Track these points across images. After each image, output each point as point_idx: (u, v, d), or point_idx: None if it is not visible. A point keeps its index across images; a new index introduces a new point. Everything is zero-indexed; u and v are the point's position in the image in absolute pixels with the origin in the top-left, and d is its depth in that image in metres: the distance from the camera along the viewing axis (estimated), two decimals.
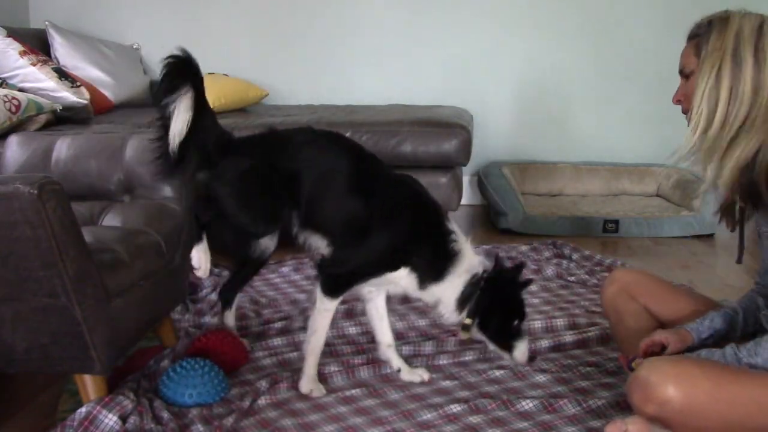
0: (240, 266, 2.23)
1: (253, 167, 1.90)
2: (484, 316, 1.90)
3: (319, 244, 1.93)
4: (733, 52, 1.49)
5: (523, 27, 4.31)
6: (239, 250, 2.08)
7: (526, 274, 2.06)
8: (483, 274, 1.90)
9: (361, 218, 1.87)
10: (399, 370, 2.06)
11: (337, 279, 1.91)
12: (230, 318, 2.26)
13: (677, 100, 1.65)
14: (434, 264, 1.89)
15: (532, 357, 1.95)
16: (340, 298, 1.94)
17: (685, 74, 1.61)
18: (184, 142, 1.82)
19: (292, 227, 1.94)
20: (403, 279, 1.91)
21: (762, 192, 1.49)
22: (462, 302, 1.90)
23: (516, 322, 1.92)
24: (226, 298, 2.25)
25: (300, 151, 1.91)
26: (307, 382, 1.95)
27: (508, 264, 2.01)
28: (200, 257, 1.92)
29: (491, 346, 1.98)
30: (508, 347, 1.93)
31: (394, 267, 1.89)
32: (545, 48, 4.31)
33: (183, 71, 1.82)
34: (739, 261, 1.75)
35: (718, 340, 1.68)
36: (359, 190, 1.88)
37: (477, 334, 1.95)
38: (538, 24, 4.30)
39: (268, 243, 2.11)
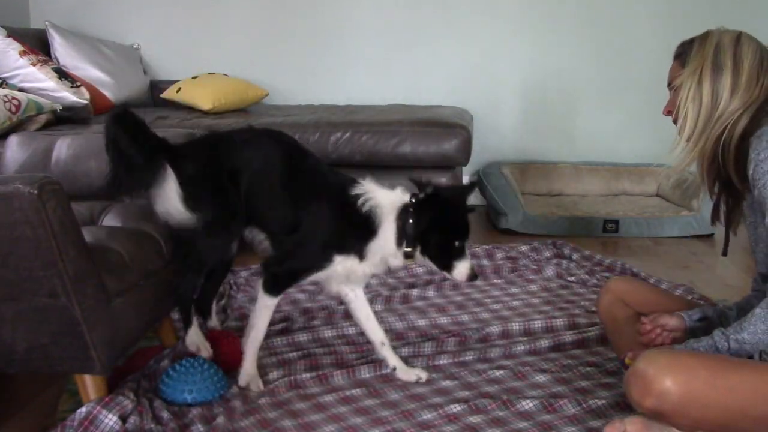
0: (208, 274, 2.15)
1: (199, 170, 1.91)
2: (423, 241, 1.87)
3: (260, 239, 1.98)
4: (713, 59, 1.61)
5: (524, 27, 4.31)
6: (216, 256, 2.04)
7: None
8: (411, 200, 1.87)
9: (289, 214, 1.91)
10: (395, 369, 2.06)
11: (278, 278, 1.96)
12: (214, 322, 2.27)
13: (667, 111, 1.74)
14: (360, 233, 1.89)
15: (474, 276, 1.90)
16: (281, 296, 1.99)
17: (673, 87, 1.70)
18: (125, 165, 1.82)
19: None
20: (341, 265, 1.91)
21: (731, 174, 1.59)
22: (399, 240, 1.87)
23: (456, 243, 1.88)
24: (202, 310, 2.21)
25: (238, 149, 1.95)
26: (245, 376, 1.97)
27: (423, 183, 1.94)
28: (196, 342, 1.99)
29: (434, 267, 1.94)
30: (449, 267, 1.89)
31: (329, 259, 1.91)
32: (545, 48, 4.32)
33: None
34: (724, 254, 1.82)
35: (708, 329, 1.70)
36: (286, 186, 1.93)
37: (422, 259, 1.92)
38: (538, 24, 4.30)
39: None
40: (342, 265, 1.92)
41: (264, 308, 1.97)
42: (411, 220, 1.86)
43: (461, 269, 1.89)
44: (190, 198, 1.87)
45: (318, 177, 1.98)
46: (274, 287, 1.96)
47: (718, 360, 1.48)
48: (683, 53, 1.69)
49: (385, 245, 1.89)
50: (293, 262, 1.94)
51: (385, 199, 1.90)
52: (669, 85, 1.74)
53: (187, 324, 2.02)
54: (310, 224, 1.90)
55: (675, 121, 1.69)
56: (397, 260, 1.92)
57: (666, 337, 1.76)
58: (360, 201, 1.89)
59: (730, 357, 1.50)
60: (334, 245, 1.91)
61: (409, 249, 1.88)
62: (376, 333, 2.09)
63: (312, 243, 1.91)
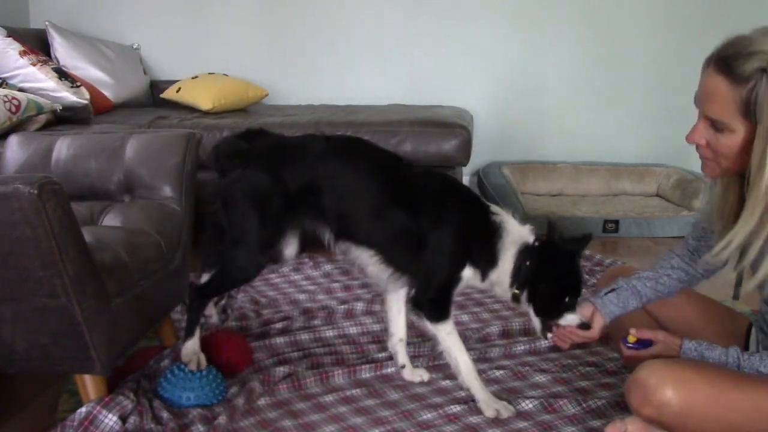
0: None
1: (267, 183, 1.83)
2: (532, 287, 1.82)
3: (364, 256, 1.90)
4: None
5: (524, 27, 4.31)
6: (246, 278, 2.00)
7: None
8: (534, 243, 1.82)
9: (410, 230, 1.83)
10: (403, 367, 2.06)
11: (433, 305, 1.87)
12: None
13: (695, 143, 1.47)
14: (487, 249, 1.84)
15: (586, 325, 1.78)
16: (451, 317, 1.89)
17: (718, 128, 1.41)
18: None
19: (322, 239, 1.89)
20: (471, 277, 1.87)
21: None
22: (515, 277, 1.82)
23: (567, 299, 1.79)
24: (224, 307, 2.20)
25: (317, 161, 1.85)
26: (484, 404, 1.86)
27: (555, 226, 1.90)
28: (191, 355, 1.93)
29: (534, 323, 1.87)
30: (557, 320, 1.82)
31: (463, 265, 1.86)
32: (545, 48, 4.32)
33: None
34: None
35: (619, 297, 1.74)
36: (396, 199, 1.84)
37: (526, 306, 1.85)
38: (538, 24, 4.30)
39: None
40: (466, 274, 1.87)
41: (448, 336, 1.88)
42: (528, 263, 1.81)
43: (571, 324, 1.80)
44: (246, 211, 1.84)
45: (425, 183, 1.89)
46: (438, 313, 1.87)
47: (720, 374, 1.47)
48: (741, 80, 1.33)
49: (500, 275, 1.85)
50: (438, 279, 1.85)
51: (515, 230, 1.85)
52: (707, 116, 1.42)
53: (189, 334, 1.95)
54: (443, 234, 1.82)
55: (705, 159, 1.47)
56: (507, 295, 1.87)
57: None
58: (492, 213, 1.86)
59: (733, 371, 1.49)
60: (466, 252, 1.84)
61: (518, 292, 1.84)
62: (400, 328, 2.07)
63: (448, 250, 1.83)
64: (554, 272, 1.81)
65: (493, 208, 1.89)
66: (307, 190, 1.83)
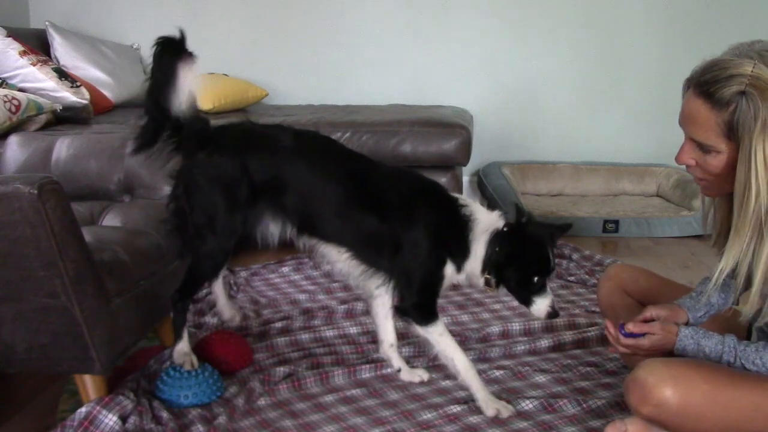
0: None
1: (234, 170, 1.81)
2: (501, 270, 1.84)
3: (332, 253, 1.89)
4: None
5: (524, 27, 4.31)
6: (212, 272, 1.98)
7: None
8: (504, 228, 1.84)
9: (381, 231, 1.84)
10: (399, 370, 2.06)
11: (418, 308, 1.88)
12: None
13: (685, 164, 1.52)
14: (460, 242, 1.85)
15: (554, 314, 1.85)
16: (439, 317, 1.90)
17: (704, 149, 1.45)
18: (163, 112, 1.77)
19: (282, 231, 1.89)
20: (450, 273, 1.88)
21: None
22: (486, 263, 1.84)
23: (536, 278, 1.83)
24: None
25: (285, 156, 1.84)
26: (484, 403, 1.86)
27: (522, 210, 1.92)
28: (182, 357, 1.92)
29: (516, 300, 1.92)
30: (528, 302, 1.87)
31: (443, 262, 1.86)
32: (545, 48, 4.31)
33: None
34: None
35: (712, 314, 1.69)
36: (364, 199, 1.84)
37: (500, 290, 1.90)
38: (538, 24, 4.30)
39: None
40: (448, 271, 1.87)
41: (441, 338, 1.88)
42: (497, 248, 1.82)
43: (540, 306, 1.85)
44: (180, 211, 1.82)
45: (403, 183, 1.90)
46: (426, 315, 1.88)
47: (719, 373, 1.47)
48: (722, 105, 1.36)
49: (473, 265, 1.86)
50: (419, 281, 1.85)
51: (484, 218, 1.86)
52: (693, 139, 1.46)
53: (178, 337, 1.95)
54: (416, 235, 1.83)
55: (698, 180, 1.51)
56: (479, 282, 1.89)
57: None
58: (463, 213, 1.85)
59: (732, 370, 1.48)
60: (443, 249, 1.85)
61: (489, 277, 1.85)
62: (389, 333, 2.07)
63: (425, 251, 1.84)
64: (521, 255, 1.83)
65: (461, 199, 1.90)
66: (271, 183, 1.82)
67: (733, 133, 1.37)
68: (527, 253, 1.83)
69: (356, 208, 1.85)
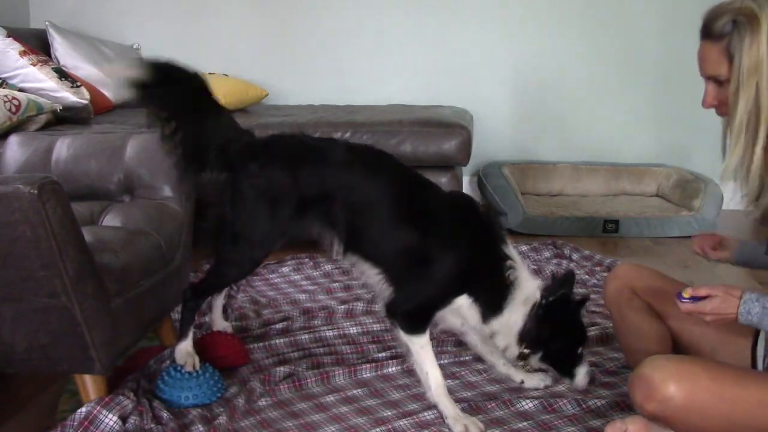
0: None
1: (284, 184, 1.81)
2: (547, 347, 1.83)
3: (369, 273, 1.87)
4: None
5: (524, 26, 4.30)
6: (239, 277, 2.03)
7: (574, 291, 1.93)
8: (542, 301, 1.80)
9: (417, 250, 1.79)
10: (522, 382, 2.01)
11: (411, 316, 1.83)
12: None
13: (710, 105, 1.60)
14: (493, 294, 1.81)
15: (592, 380, 1.90)
16: (427, 331, 1.84)
17: (719, 81, 1.55)
18: (198, 141, 1.82)
19: (330, 247, 1.87)
20: (465, 308, 1.84)
21: None
22: (524, 336, 1.81)
23: (579, 350, 1.86)
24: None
25: (336, 170, 1.82)
26: (455, 420, 1.79)
27: (558, 277, 1.90)
28: (185, 357, 1.92)
29: (553, 372, 1.96)
30: (570, 373, 1.88)
31: (456, 293, 1.82)
32: (546, 48, 4.31)
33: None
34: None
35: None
36: (410, 220, 1.81)
37: (537, 363, 1.89)
38: (538, 23, 4.30)
39: None
40: (464, 306, 1.83)
41: (422, 350, 1.82)
42: (538, 325, 1.79)
43: (581, 376, 1.87)
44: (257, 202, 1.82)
45: (447, 208, 1.86)
46: (415, 326, 1.82)
47: (724, 370, 1.47)
48: (723, 37, 1.51)
49: (503, 329, 1.82)
50: (424, 295, 1.81)
51: (527, 286, 1.81)
52: (709, 77, 1.57)
53: (183, 335, 1.95)
54: (445, 258, 1.78)
55: (721, 114, 1.60)
56: (512, 351, 1.85)
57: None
58: (509, 264, 1.81)
59: (737, 367, 1.48)
60: (464, 284, 1.81)
61: (527, 351, 1.83)
62: (494, 355, 2.02)
63: (443, 273, 1.79)
64: (565, 329, 1.83)
65: (511, 253, 1.84)
66: (323, 197, 1.81)
67: (731, 56, 1.51)
68: (571, 327, 1.84)
69: (399, 229, 1.82)
